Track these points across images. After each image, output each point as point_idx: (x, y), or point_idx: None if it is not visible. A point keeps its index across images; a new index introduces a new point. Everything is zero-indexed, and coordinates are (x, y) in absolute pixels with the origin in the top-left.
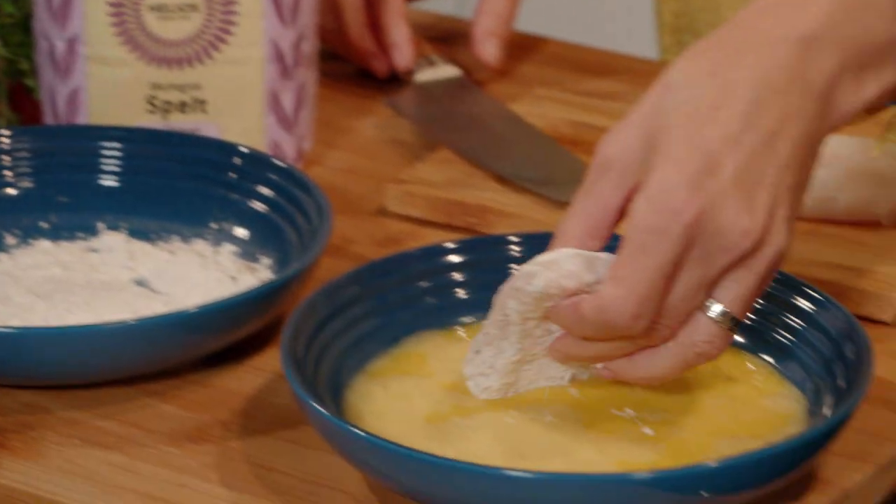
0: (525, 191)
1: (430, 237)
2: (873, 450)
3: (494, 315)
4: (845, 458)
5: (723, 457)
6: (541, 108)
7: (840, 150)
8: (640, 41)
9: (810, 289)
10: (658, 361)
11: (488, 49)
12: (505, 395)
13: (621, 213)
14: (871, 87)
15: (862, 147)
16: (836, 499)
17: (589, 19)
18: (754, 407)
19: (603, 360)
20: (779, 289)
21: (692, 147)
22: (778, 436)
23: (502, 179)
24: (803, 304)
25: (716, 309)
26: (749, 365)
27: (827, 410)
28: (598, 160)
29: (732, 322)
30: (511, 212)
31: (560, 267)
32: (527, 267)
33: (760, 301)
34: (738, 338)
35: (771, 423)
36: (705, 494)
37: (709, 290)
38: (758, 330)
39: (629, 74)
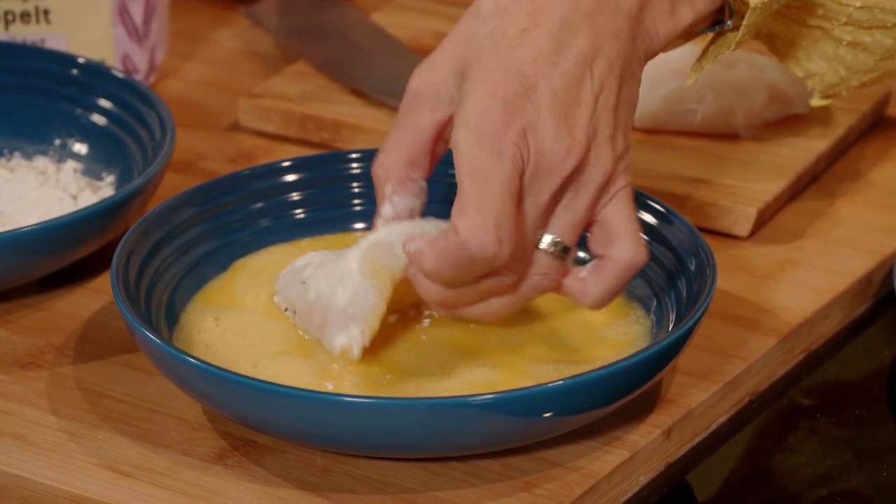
0: (383, 105)
1: (285, 153)
2: (719, 368)
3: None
4: (691, 377)
5: (565, 377)
6: (405, 18)
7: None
8: None
9: (654, 202)
10: (497, 300)
11: None
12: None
13: (436, 142)
14: (685, 13)
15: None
16: (680, 418)
17: None
18: (596, 326)
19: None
20: None
21: (504, 70)
22: (621, 354)
23: (360, 93)
24: (647, 217)
25: (546, 239)
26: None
27: (671, 327)
28: (409, 93)
29: (563, 250)
30: (368, 126)
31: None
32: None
33: None
34: (581, 254)
35: (613, 343)
36: (548, 415)
37: (546, 219)
38: None
39: None
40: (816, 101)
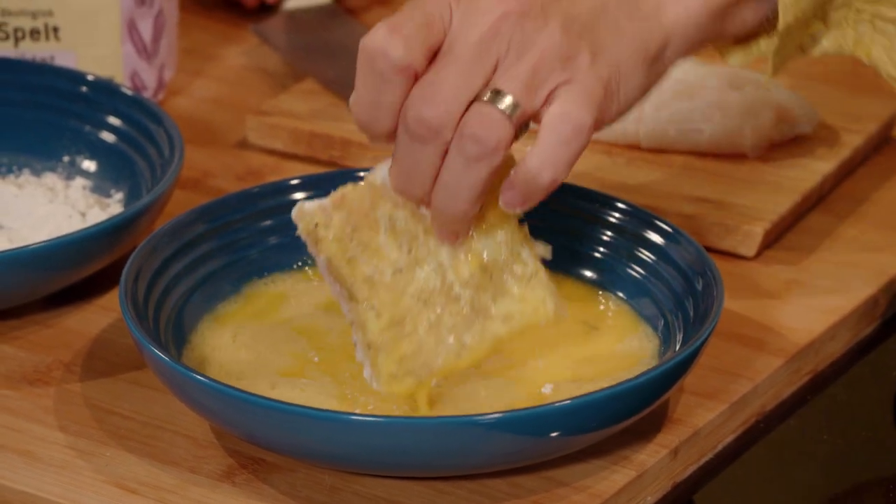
0: None
1: (293, 171)
2: (726, 387)
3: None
4: (697, 397)
5: (573, 396)
6: None
7: (707, 81)
8: None
9: (662, 222)
10: (447, 176)
11: None
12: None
13: None
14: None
15: (728, 79)
16: (687, 438)
17: None
18: (604, 346)
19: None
20: (631, 222)
21: None
22: (628, 374)
23: None
24: (654, 237)
25: (487, 95)
26: (600, 301)
27: (678, 347)
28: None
29: (511, 105)
30: (377, 145)
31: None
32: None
33: (611, 235)
34: (589, 273)
35: (621, 363)
36: (555, 435)
37: (481, 72)
38: (609, 265)
39: None
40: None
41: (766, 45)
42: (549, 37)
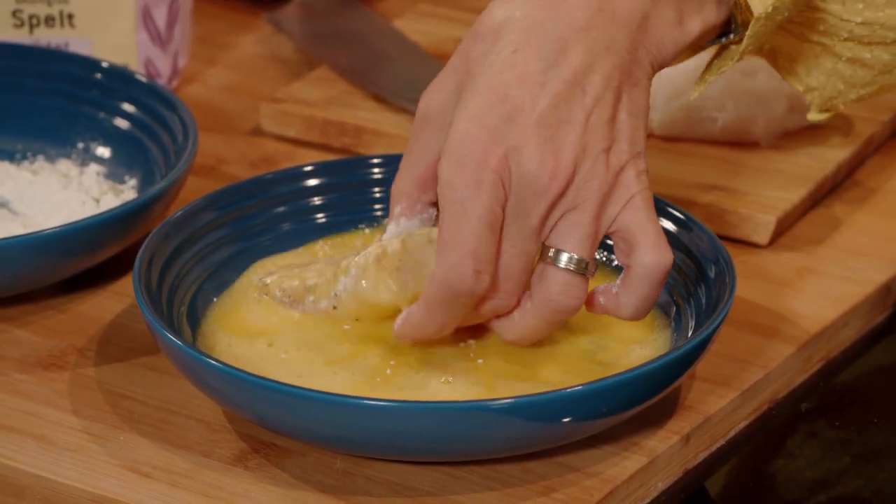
0: (403, 110)
1: (306, 158)
2: (738, 374)
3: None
4: (709, 384)
5: (584, 382)
6: (426, 24)
7: None
8: None
9: (674, 209)
10: (521, 323)
11: None
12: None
13: None
14: (693, 23)
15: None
16: (699, 424)
17: None
18: (608, 328)
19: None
20: None
21: (492, 94)
22: (640, 361)
23: (381, 98)
24: (667, 224)
25: (563, 258)
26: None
27: (690, 334)
28: (418, 114)
29: (581, 265)
30: (388, 132)
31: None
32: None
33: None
34: (599, 257)
35: (633, 349)
36: (567, 420)
37: (538, 239)
38: None
39: None
40: (814, 116)
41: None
42: (598, 178)
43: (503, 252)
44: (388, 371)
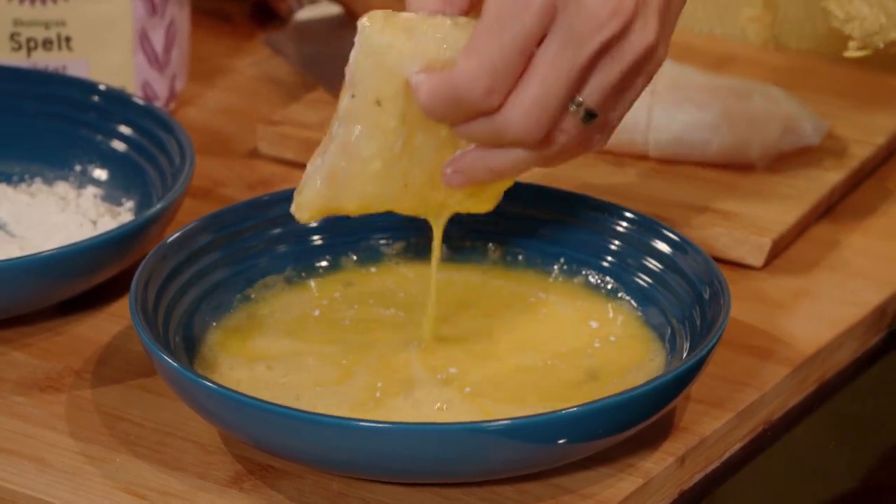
0: None
1: None
2: (733, 396)
3: (342, 101)
4: (704, 405)
5: (580, 403)
6: None
7: (716, 91)
8: None
9: (670, 231)
10: (510, 154)
11: None
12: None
13: None
14: None
15: (736, 90)
16: (694, 446)
17: None
18: (613, 352)
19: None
20: (638, 231)
21: None
22: (635, 382)
23: None
24: (662, 247)
25: (577, 100)
26: (609, 309)
27: (685, 355)
28: None
29: (587, 115)
30: None
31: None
32: (380, 37)
33: (619, 244)
34: (598, 281)
35: (629, 371)
36: (563, 442)
37: (575, 81)
38: (618, 274)
39: None
40: (852, 52)
41: None
42: None
43: (536, 77)
44: (378, 394)
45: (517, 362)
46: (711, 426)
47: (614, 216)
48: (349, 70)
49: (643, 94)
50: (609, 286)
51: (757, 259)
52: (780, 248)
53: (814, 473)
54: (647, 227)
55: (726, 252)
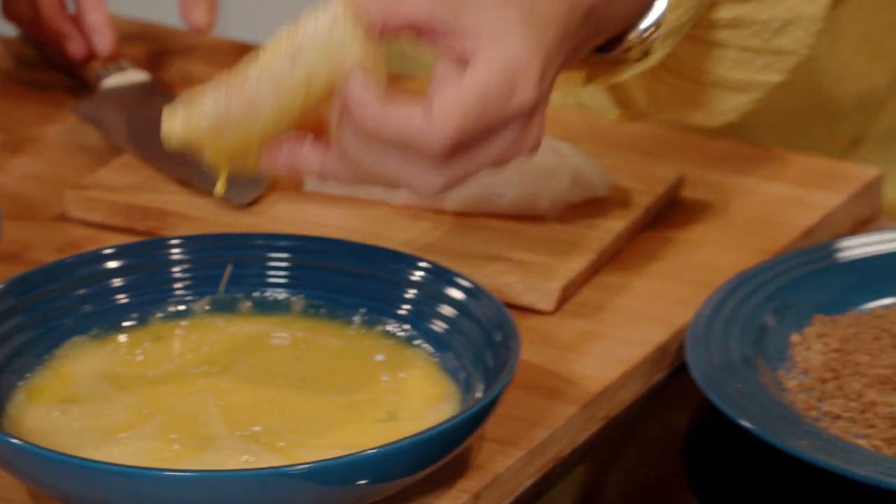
0: (207, 193)
1: (111, 242)
2: (525, 434)
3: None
4: (497, 444)
5: (378, 445)
6: None
7: None
8: None
9: (463, 279)
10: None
11: (198, 14)
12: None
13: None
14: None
15: None
16: (488, 483)
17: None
18: (412, 395)
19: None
20: (433, 280)
21: None
22: (432, 422)
23: (185, 182)
24: (456, 294)
25: None
26: (408, 355)
27: (479, 396)
28: None
29: None
30: (192, 215)
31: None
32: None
33: (416, 293)
34: (396, 329)
35: (426, 412)
36: (364, 483)
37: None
38: (415, 321)
39: None
40: (614, 118)
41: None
42: None
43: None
44: (177, 447)
45: (319, 408)
46: (504, 464)
47: (410, 266)
48: (298, 34)
49: None
50: (407, 333)
51: (547, 304)
52: (569, 294)
53: None
54: (441, 276)
55: (519, 298)
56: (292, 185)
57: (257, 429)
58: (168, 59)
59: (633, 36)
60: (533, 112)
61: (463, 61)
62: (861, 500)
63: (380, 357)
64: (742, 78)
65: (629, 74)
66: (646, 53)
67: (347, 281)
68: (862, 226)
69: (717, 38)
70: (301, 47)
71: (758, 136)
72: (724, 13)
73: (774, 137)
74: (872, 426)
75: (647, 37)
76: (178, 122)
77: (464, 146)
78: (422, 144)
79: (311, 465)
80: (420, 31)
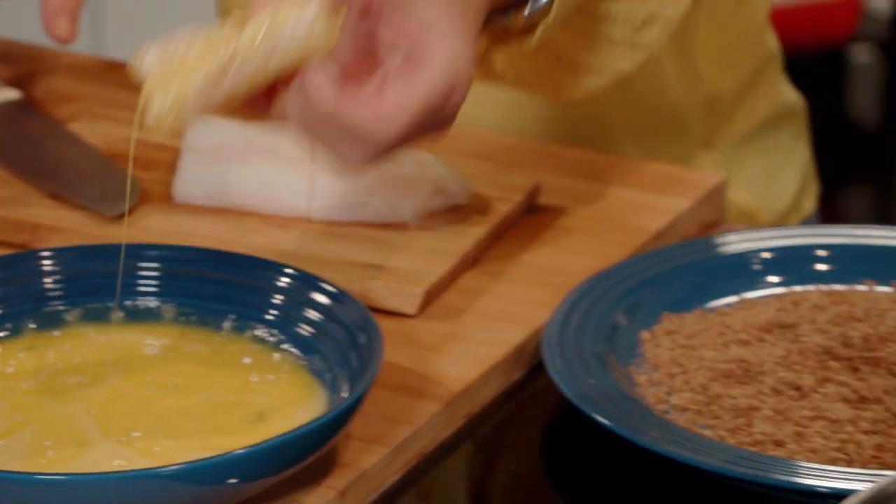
0: (81, 207)
1: None
2: (389, 432)
3: None
4: (363, 442)
5: (248, 445)
6: (101, 126)
7: None
8: None
9: (328, 284)
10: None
11: (60, 25)
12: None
13: None
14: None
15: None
16: (354, 479)
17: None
18: (280, 397)
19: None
20: (299, 286)
21: None
22: (300, 422)
23: (58, 196)
24: (322, 299)
25: None
26: (276, 358)
27: (345, 396)
28: None
29: None
30: (65, 227)
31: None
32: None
33: (283, 299)
34: (265, 335)
35: (292, 411)
36: (234, 482)
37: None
38: (282, 326)
39: None
40: None
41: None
42: None
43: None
44: (51, 453)
45: (192, 413)
46: (370, 461)
47: (277, 273)
48: (276, 31)
49: (302, 164)
50: (275, 338)
51: (411, 307)
52: (432, 297)
53: (463, 500)
54: (308, 282)
55: (384, 302)
56: (163, 197)
57: (134, 434)
58: (39, 77)
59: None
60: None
61: (410, 53)
62: (708, 487)
63: (247, 360)
64: (596, 63)
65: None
66: (532, 28)
67: (217, 289)
68: (708, 229)
69: (591, 26)
70: (277, 46)
71: (613, 142)
72: (602, 4)
73: (629, 143)
74: (717, 417)
75: (537, 14)
76: (164, 117)
77: (404, 139)
78: (369, 136)
79: (182, 465)
80: (368, 11)
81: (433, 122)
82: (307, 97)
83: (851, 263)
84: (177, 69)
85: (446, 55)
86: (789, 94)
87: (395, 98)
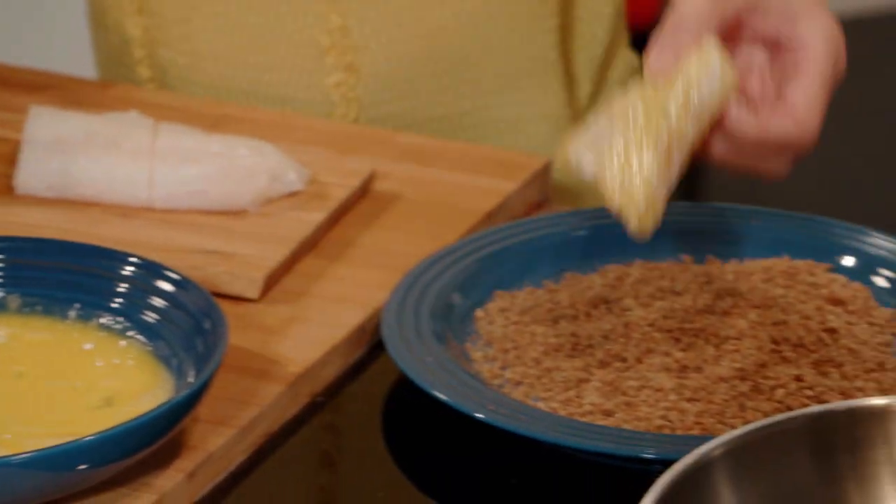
0: None
1: None
2: (236, 414)
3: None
4: (210, 424)
5: (97, 431)
6: None
7: (211, 147)
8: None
9: (172, 272)
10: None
11: None
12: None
13: None
14: None
15: (228, 144)
16: (202, 461)
17: (29, 43)
18: (127, 383)
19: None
20: (143, 274)
21: None
22: (147, 407)
23: None
24: (166, 286)
25: None
26: (123, 345)
27: (191, 380)
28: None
29: None
30: None
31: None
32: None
33: (127, 286)
34: (111, 322)
35: (139, 397)
36: (84, 468)
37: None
38: (128, 313)
39: (59, 90)
40: None
41: None
42: None
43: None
44: None
45: (40, 400)
46: (216, 442)
47: (121, 262)
48: (695, 95)
49: (143, 155)
50: (120, 326)
51: (253, 292)
52: (273, 282)
53: (310, 476)
54: (151, 270)
55: (226, 288)
56: (4, 190)
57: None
58: None
59: None
60: None
61: (773, 43)
62: (543, 458)
63: (88, 346)
64: None
65: None
66: None
67: (61, 278)
68: (535, 209)
69: None
70: (702, 105)
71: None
72: None
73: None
74: (549, 390)
75: None
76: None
77: (821, 124)
78: (798, 141)
79: (33, 453)
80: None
81: (832, 89)
82: (732, 134)
83: (670, 240)
84: (625, 173)
85: (821, 32)
86: None
87: (802, 98)
